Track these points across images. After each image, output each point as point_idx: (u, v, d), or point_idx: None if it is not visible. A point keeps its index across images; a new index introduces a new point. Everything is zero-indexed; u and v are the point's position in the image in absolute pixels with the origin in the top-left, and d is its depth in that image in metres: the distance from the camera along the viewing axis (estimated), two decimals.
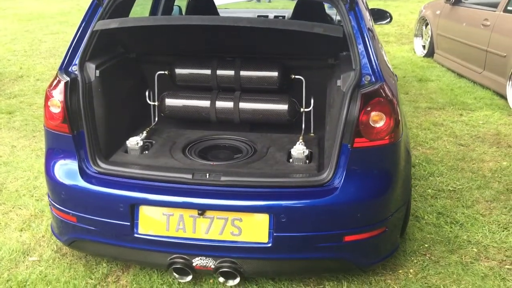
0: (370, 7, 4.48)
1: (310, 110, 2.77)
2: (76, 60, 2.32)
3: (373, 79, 2.14)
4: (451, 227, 2.79)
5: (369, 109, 2.07)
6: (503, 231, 2.76)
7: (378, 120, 2.08)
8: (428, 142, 4.03)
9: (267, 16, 4.61)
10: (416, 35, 7.43)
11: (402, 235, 2.58)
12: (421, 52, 7.21)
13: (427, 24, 7.04)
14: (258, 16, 4.64)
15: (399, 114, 2.19)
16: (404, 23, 10.09)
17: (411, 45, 7.64)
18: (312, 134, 2.77)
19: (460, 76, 5.91)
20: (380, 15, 4.47)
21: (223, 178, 2.10)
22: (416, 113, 4.73)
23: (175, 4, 4.36)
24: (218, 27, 2.38)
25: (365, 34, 2.22)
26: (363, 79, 2.13)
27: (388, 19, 4.40)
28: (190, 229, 2.10)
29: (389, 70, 2.59)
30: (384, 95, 2.12)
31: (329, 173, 2.09)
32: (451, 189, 3.23)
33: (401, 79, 5.90)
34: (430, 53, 6.92)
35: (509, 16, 5.03)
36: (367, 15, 2.52)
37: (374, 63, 2.17)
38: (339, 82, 2.22)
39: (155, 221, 2.12)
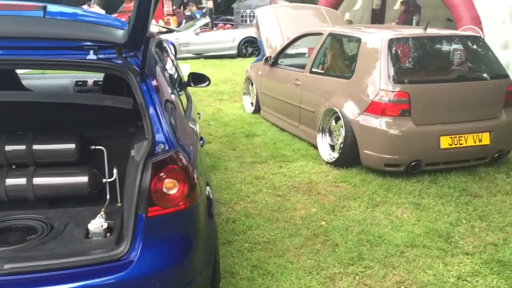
0: (192, 70, 4.72)
1: (115, 179, 2.74)
2: None
3: (167, 147, 2.22)
4: (263, 279, 2.95)
5: (161, 177, 2.13)
6: (308, 275, 3.01)
7: (171, 187, 2.14)
8: (249, 196, 4.27)
9: (85, 82, 4.52)
10: (244, 93, 8.00)
11: None
12: (250, 109, 7.76)
13: (252, 83, 7.65)
14: (77, 81, 4.52)
15: (194, 178, 2.29)
16: (237, 82, 10.78)
17: (242, 103, 8.19)
18: (119, 204, 2.73)
19: (282, 130, 6.47)
20: (200, 79, 4.71)
21: (6, 266, 1.93)
22: (241, 168, 5.01)
23: None
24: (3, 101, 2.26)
25: (157, 105, 2.30)
26: (156, 147, 2.20)
27: (207, 82, 4.66)
28: None
29: (190, 136, 2.71)
30: (177, 162, 2.20)
31: (126, 246, 2.06)
32: (266, 240, 3.44)
33: (230, 136, 6.23)
34: (257, 110, 7.49)
35: (313, 76, 5.74)
36: (163, 86, 2.63)
37: (166, 132, 2.25)
38: (133, 152, 2.25)
39: None
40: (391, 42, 4.74)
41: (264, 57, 6.92)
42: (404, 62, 4.88)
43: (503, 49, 9.16)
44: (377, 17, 12.80)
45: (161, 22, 22.83)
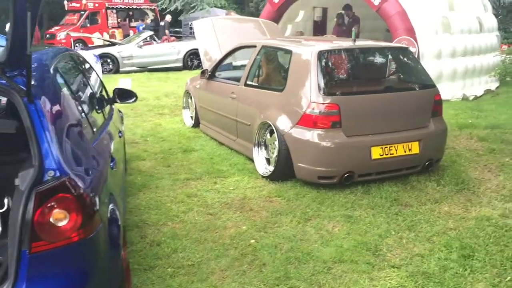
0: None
1: (4, 211, 2.51)
2: None
3: (58, 174, 2.03)
4: None
5: (49, 207, 1.93)
6: None
7: (61, 218, 1.96)
8: (179, 215, 4.10)
9: None
10: (184, 107, 7.82)
11: None
12: (190, 123, 7.58)
13: (191, 97, 7.49)
14: None
15: (93, 206, 2.11)
16: (180, 95, 10.48)
17: (182, 117, 8.01)
18: None
19: (221, 144, 6.34)
20: (127, 95, 4.52)
21: None
22: (174, 186, 4.83)
23: None
24: None
25: (46, 127, 2.11)
26: (45, 175, 2.00)
27: (134, 98, 4.47)
28: None
29: (96, 158, 2.53)
30: (69, 190, 2.01)
31: (9, 286, 1.85)
32: (190, 263, 3.28)
33: (166, 152, 6.04)
34: (196, 124, 7.33)
35: (248, 89, 5.67)
36: (64, 105, 2.44)
37: (57, 157, 2.06)
38: (17, 181, 2.05)
39: None
40: (321, 54, 4.74)
41: (201, 71, 6.78)
42: (334, 74, 4.89)
43: (436, 59, 9.50)
44: (319, 28, 13.00)
45: (105, 36, 22.35)
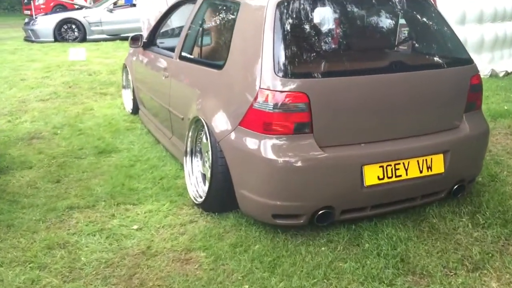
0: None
1: None
2: None
3: None
4: None
5: None
6: None
7: None
8: None
9: None
10: (124, 87, 5.91)
11: None
12: (130, 107, 5.69)
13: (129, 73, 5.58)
14: None
15: None
16: None
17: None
18: None
19: (158, 142, 4.47)
20: None
21: None
22: (41, 223, 2.96)
23: None
24: None
25: None
26: None
27: None
28: None
29: None
30: None
31: None
32: None
33: (71, 154, 4.17)
34: (136, 109, 5.44)
35: (183, 65, 3.74)
36: None
37: None
38: None
39: None
40: (283, 5, 2.78)
41: (131, 36, 4.82)
42: (303, 40, 2.90)
43: (459, 24, 7.43)
44: None
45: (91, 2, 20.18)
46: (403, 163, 2.78)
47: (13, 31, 15.29)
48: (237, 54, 2.96)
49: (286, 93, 2.60)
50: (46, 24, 12.55)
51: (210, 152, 2.96)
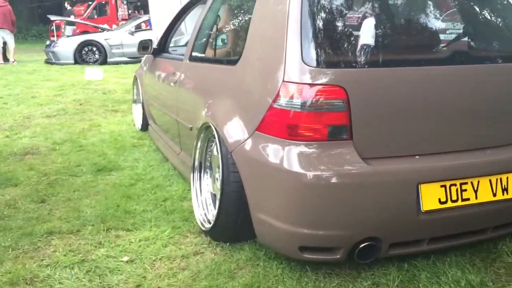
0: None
1: None
2: None
3: None
4: None
5: None
6: None
7: None
8: None
9: None
10: (134, 101, 5.42)
11: None
12: (140, 123, 5.17)
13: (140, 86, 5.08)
14: None
15: None
16: None
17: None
18: None
19: (166, 160, 3.90)
20: None
21: None
22: (12, 252, 2.40)
23: None
24: None
25: None
26: None
27: None
28: None
29: None
30: None
31: None
32: None
33: (66, 171, 3.63)
34: (145, 125, 4.92)
35: (194, 66, 3.20)
36: None
37: None
38: None
39: None
40: None
41: (140, 41, 4.32)
42: (337, 21, 2.31)
43: None
44: None
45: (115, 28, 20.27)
46: (471, 183, 2.11)
47: (37, 55, 15.27)
48: (255, 44, 2.38)
49: (317, 87, 1.99)
50: (67, 46, 12.40)
51: (221, 166, 2.36)
